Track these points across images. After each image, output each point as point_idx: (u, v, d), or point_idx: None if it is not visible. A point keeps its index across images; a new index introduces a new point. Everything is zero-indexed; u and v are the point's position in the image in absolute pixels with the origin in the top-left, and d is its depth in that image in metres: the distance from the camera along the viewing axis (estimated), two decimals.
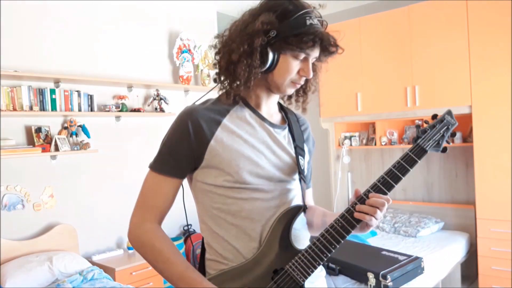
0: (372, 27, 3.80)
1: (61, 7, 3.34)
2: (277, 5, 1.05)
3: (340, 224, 1.02)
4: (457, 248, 3.33)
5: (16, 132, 3.06)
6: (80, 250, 3.32)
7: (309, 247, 1.02)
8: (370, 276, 2.41)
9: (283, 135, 1.15)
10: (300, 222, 1.12)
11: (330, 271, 2.61)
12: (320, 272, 1.18)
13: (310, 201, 1.28)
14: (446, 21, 3.38)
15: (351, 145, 4.19)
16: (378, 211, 1.00)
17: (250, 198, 1.05)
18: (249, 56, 1.03)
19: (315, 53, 1.07)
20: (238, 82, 1.06)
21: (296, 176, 1.13)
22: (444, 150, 1.09)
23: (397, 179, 1.03)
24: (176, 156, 1.05)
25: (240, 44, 1.03)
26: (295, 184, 1.13)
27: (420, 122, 1.15)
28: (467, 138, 3.58)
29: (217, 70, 1.11)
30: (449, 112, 1.10)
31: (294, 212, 1.07)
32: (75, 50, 3.42)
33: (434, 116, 1.11)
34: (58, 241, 3.17)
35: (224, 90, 1.10)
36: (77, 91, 3.30)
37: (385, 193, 1.02)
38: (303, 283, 1.02)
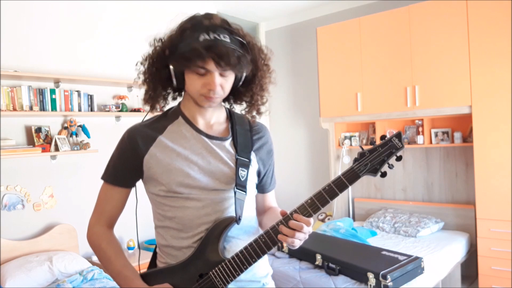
0: (372, 27, 3.80)
1: (61, 7, 3.34)
2: (179, 25, 1.11)
3: (263, 239, 1.07)
4: (457, 248, 3.33)
5: (16, 132, 3.06)
6: (80, 250, 3.32)
7: (232, 257, 1.09)
8: (370, 276, 2.42)
9: (224, 145, 1.17)
10: (235, 231, 1.16)
11: (330, 271, 2.61)
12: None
13: (271, 203, 1.33)
14: (446, 21, 3.38)
15: (351, 145, 4.19)
16: (298, 233, 1.03)
17: (182, 206, 1.13)
18: (151, 72, 1.13)
19: (212, 67, 1.04)
20: (146, 94, 1.15)
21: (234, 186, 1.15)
22: (383, 175, 1.04)
23: (324, 202, 1.05)
24: (119, 168, 1.19)
25: (147, 64, 1.14)
26: (233, 193, 1.15)
27: (374, 141, 1.10)
28: (467, 138, 3.58)
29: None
30: (397, 135, 1.04)
31: (226, 223, 1.12)
32: (75, 50, 3.42)
33: (383, 137, 1.05)
34: (58, 241, 3.17)
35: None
36: (77, 91, 3.30)
37: (310, 215, 1.05)
38: None
